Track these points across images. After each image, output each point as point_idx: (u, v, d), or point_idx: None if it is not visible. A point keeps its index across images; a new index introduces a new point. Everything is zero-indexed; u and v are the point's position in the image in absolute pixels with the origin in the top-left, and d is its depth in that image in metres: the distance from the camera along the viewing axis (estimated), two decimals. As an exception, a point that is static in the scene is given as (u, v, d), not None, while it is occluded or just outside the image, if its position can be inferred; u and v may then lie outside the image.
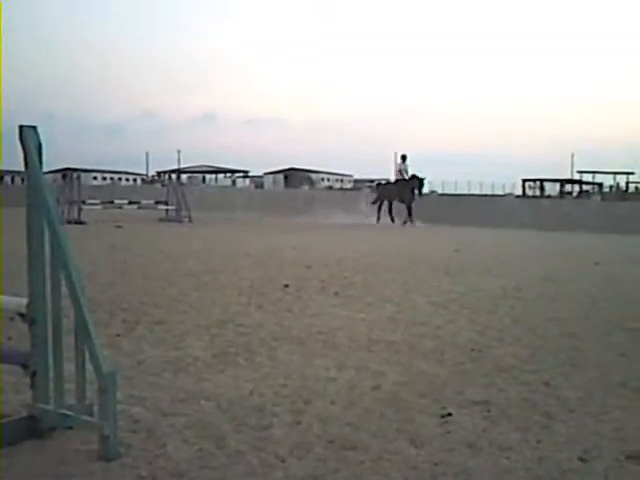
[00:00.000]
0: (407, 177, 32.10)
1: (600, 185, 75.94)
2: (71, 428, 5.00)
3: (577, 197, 69.17)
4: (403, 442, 5.07)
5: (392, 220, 31.72)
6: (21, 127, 5.05)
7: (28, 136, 5.04)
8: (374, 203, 32.98)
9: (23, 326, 5.79)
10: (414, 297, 11.38)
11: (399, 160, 33.10)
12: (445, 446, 5.01)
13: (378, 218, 31.93)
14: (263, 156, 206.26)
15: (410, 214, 31.34)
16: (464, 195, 62.65)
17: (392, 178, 35.05)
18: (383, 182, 35.52)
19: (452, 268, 15.43)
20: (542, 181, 76.15)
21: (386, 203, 32.43)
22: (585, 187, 77.72)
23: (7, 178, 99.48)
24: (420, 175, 32.33)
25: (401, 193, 31.59)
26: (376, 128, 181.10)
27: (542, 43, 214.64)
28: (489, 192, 77.65)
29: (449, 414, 5.67)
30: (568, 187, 78.16)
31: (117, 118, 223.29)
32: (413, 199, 31.51)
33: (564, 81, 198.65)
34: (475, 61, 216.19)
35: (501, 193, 77.04)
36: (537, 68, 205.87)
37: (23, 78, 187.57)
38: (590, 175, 77.96)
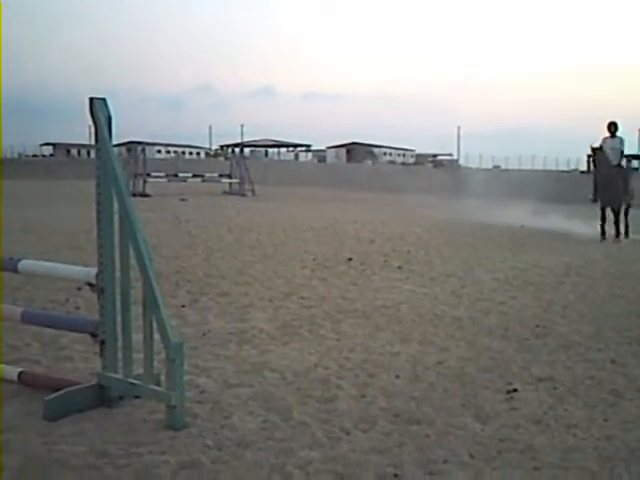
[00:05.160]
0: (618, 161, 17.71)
1: (669, 161, 74.24)
2: (139, 397, 5.07)
3: (645, 173, 67.61)
4: (468, 417, 5.05)
5: (602, 233, 17.49)
6: (91, 99, 5.08)
7: (98, 108, 5.06)
8: (595, 201, 18.01)
9: (90, 295, 5.89)
10: (477, 272, 11.31)
11: (606, 133, 17.69)
12: (510, 422, 4.97)
13: (603, 232, 17.47)
14: (323, 130, 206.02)
15: (627, 220, 18.14)
16: (528, 171, 61.80)
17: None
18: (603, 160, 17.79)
19: (515, 244, 15.28)
20: (609, 157, 74.42)
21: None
22: (653, 163, 76.03)
23: (74, 151, 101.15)
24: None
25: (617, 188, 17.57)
26: (437, 101, 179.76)
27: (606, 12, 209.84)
28: (553, 167, 76.45)
29: (514, 390, 5.63)
30: (635, 163, 76.63)
31: (176, 92, 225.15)
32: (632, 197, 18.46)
33: (630, 50, 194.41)
34: (540, 33, 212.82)
35: (566, 169, 75.81)
36: (603, 38, 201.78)
37: (83, 54, 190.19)
38: (658, 151, 76.28)
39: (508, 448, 4.52)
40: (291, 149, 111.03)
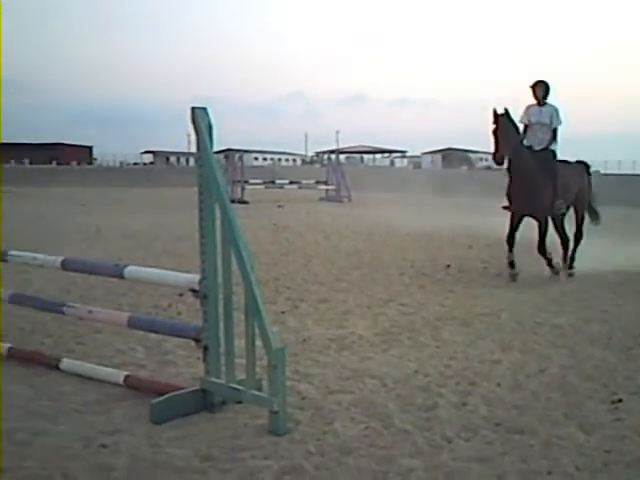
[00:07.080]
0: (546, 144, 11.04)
1: None
2: (240, 402, 5.13)
3: None
4: (572, 427, 4.96)
5: (548, 260, 11.50)
6: (193, 109, 5.19)
7: (199, 117, 5.16)
8: (507, 208, 11.29)
9: (191, 301, 5.98)
10: (579, 279, 11.09)
11: (539, 92, 11.00)
12: (616, 433, 4.86)
13: (511, 263, 11.06)
14: (417, 136, 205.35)
15: (577, 243, 12.09)
16: (629, 175, 60.25)
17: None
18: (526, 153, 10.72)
19: (616, 250, 14.89)
20: None
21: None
22: None
23: (172, 158, 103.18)
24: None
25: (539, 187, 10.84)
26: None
27: None
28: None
29: (619, 400, 5.50)
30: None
31: (268, 99, 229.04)
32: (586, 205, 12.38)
33: None
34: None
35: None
36: None
37: (182, 63, 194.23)
38: None
39: (615, 460, 4.42)
40: (386, 155, 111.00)
